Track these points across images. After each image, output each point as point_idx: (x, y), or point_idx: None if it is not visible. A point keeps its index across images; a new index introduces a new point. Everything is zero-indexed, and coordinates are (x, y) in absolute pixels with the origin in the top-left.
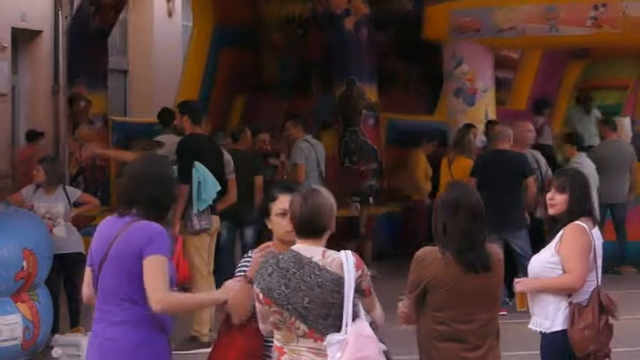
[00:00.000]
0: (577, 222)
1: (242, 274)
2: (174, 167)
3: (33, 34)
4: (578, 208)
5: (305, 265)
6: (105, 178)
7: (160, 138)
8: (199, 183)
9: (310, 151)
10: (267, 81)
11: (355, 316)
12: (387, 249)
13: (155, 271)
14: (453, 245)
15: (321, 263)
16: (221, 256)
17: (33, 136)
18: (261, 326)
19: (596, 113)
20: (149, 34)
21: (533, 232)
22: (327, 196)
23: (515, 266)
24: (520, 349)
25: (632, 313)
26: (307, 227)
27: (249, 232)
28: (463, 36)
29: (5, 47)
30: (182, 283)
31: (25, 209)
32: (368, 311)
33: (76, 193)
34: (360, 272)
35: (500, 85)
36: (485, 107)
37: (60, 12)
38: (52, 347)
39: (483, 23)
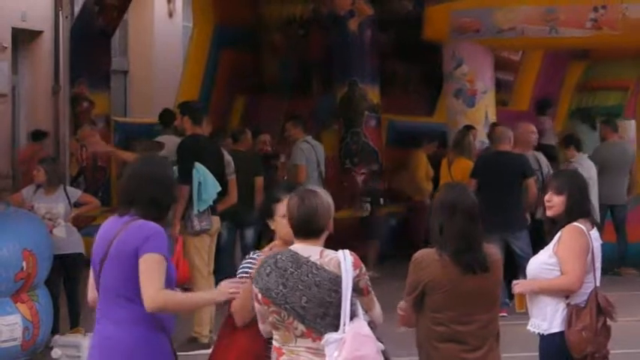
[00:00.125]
0: (575, 223)
1: (245, 275)
2: (175, 168)
3: (33, 35)
4: (576, 210)
5: (302, 264)
6: (106, 178)
7: (160, 139)
8: (200, 184)
9: (310, 152)
10: (268, 81)
11: (353, 316)
12: (388, 250)
13: (149, 270)
14: (451, 246)
15: (318, 262)
16: (221, 256)
17: (38, 135)
18: (261, 327)
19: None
20: (149, 34)
21: (534, 233)
22: (325, 197)
23: (516, 267)
24: (520, 350)
25: (633, 314)
26: (304, 228)
27: (249, 233)
28: (463, 36)
29: (5, 47)
30: (182, 283)
31: (25, 210)
32: (367, 310)
33: (76, 193)
34: (357, 271)
35: (501, 86)
36: (486, 108)
37: (60, 12)
38: (51, 348)
39: (483, 24)
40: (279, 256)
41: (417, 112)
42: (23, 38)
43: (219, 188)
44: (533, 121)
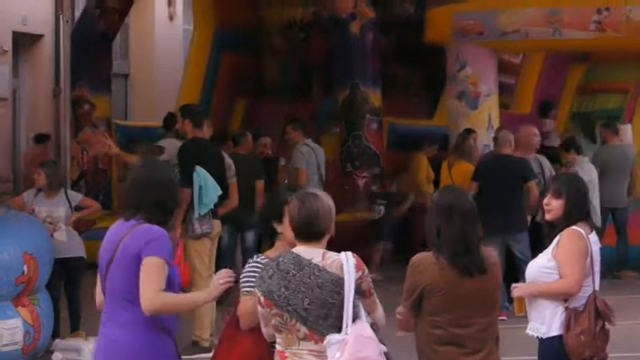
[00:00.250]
0: (574, 227)
1: (251, 279)
2: (176, 171)
3: (34, 38)
4: (574, 213)
5: (305, 266)
6: (106, 182)
7: (162, 142)
8: (200, 187)
9: (311, 155)
10: (268, 85)
11: (356, 317)
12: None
13: (148, 273)
14: (448, 249)
15: (320, 264)
16: (222, 260)
17: (41, 138)
18: (264, 330)
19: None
20: (150, 38)
21: (534, 235)
22: (326, 200)
23: (517, 271)
24: (519, 354)
25: (633, 318)
26: (306, 230)
27: (250, 237)
28: (466, 39)
29: (6, 51)
30: (183, 287)
31: (26, 213)
32: (369, 312)
33: (77, 197)
34: (360, 273)
35: (502, 89)
36: (489, 111)
37: (61, 16)
38: (52, 352)
39: (487, 26)
40: (281, 259)
41: (418, 114)
42: (24, 42)
43: (220, 192)
44: (536, 123)
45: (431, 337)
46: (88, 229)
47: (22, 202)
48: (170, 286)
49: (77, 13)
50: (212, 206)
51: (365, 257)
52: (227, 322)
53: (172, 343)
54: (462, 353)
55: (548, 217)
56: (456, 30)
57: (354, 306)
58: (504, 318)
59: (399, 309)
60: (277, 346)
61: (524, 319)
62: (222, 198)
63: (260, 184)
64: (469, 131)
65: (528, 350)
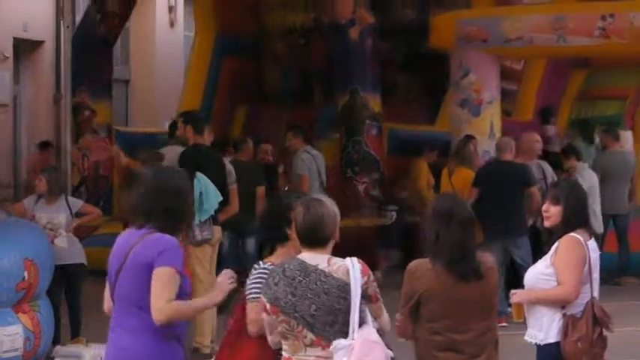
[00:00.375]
0: (572, 234)
1: (257, 285)
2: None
3: (35, 45)
4: (573, 220)
5: (311, 272)
6: (107, 188)
7: (165, 149)
8: (201, 193)
9: (311, 162)
10: (269, 91)
11: (362, 322)
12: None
13: (161, 283)
14: (445, 256)
15: (326, 270)
16: (223, 266)
17: (46, 145)
18: (269, 338)
19: (597, 143)
20: (151, 43)
21: (533, 238)
22: (330, 206)
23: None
24: None
25: (633, 324)
26: (311, 236)
27: (250, 243)
28: (470, 45)
29: (7, 57)
30: None
31: (27, 219)
32: (375, 318)
33: (77, 203)
34: (366, 278)
35: (504, 95)
36: (491, 118)
37: (62, 22)
38: (52, 358)
39: (490, 33)
40: (286, 265)
41: (419, 120)
42: (25, 48)
43: (221, 198)
44: (538, 130)
45: (430, 343)
46: (88, 235)
47: (23, 208)
48: (182, 295)
49: (78, 19)
50: (213, 212)
51: (370, 263)
52: (228, 330)
53: (181, 349)
54: (461, 359)
55: (547, 223)
56: (460, 36)
57: (361, 311)
58: (505, 324)
59: (397, 316)
60: (284, 353)
61: (523, 325)
62: (223, 204)
63: (261, 190)
64: (469, 137)
65: (526, 357)
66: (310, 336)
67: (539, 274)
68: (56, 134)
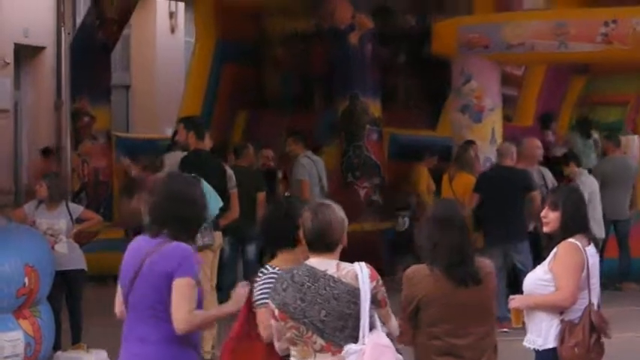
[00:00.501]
0: (570, 239)
1: (267, 290)
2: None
3: (35, 50)
4: (571, 226)
5: (320, 278)
6: (107, 194)
7: (169, 155)
8: None
9: (312, 167)
10: (270, 96)
11: (372, 327)
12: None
13: (182, 294)
14: (443, 261)
15: (335, 275)
16: (224, 272)
17: (49, 151)
18: (277, 344)
19: (595, 137)
20: (152, 49)
21: (534, 243)
22: (338, 211)
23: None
24: None
25: (633, 330)
26: (319, 242)
27: (251, 249)
28: (471, 52)
29: (8, 63)
30: None
31: (27, 225)
32: (384, 322)
33: (78, 209)
34: (374, 283)
35: (505, 101)
36: (492, 124)
37: (63, 28)
38: None
39: (492, 39)
40: (295, 271)
41: (419, 125)
42: (25, 54)
43: (222, 203)
44: (538, 136)
45: (430, 348)
46: (89, 241)
47: (24, 214)
48: (197, 303)
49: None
50: (213, 218)
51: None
52: (231, 336)
53: (197, 356)
54: None
55: (545, 229)
56: (462, 43)
57: (370, 316)
58: (507, 330)
59: (397, 320)
60: (292, 359)
61: (522, 330)
62: (223, 209)
63: (261, 196)
64: (470, 143)
65: None
66: (320, 341)
67: (538, 280)
68: (57, 140)
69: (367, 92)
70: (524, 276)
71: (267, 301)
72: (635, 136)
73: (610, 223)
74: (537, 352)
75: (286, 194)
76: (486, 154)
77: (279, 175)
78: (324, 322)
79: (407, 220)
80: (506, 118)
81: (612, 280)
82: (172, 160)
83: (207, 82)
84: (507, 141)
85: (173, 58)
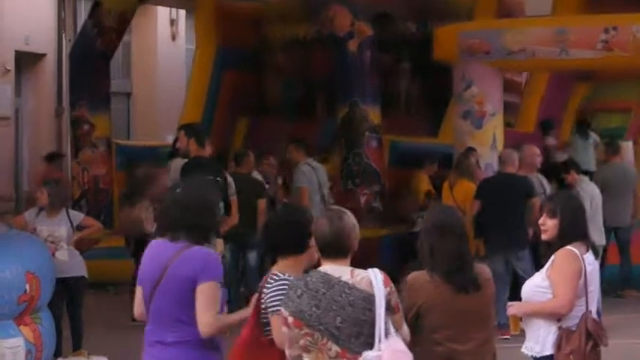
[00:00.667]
0: (568, 247)
1: (281, 297)
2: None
3: (36, 58)
4: (569, 233)
5: (334, 284)
6: (107, 201)
7: (171, 162)
8: None
9: (312, 175)
10: (270, 103)
11: (387, 333)
12: (391, 270)
13: (207, 298)
14: (442, 267)
15: (350, 282)
16: (225, 279)
17: (52, 157)
18: (288, 352)
19: (594, 138)
20: (153, 56)
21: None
22: (351, 217)
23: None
24: None
25: (635, 337)
26: (334, 247)
27: (252, 256)
28: (472, 58)
29: (9, 70)
30: None
31: (28, 232)
32: (397, 328)
33: (79, 216)
34: (388, 289)
35: (506, 108)
36: (493, 130)
37: (63, 35)
38: None
39: (493, 45)
40: (309, 278)
41: (420, 132)
42: (26, 61)
43: (222, 211)
44: (539, 142)
45: (432, 354)
46: (89, 248)
47: (24, 221)
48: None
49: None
50: None
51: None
52: (238, 342)
53: (221, 357)
54: None
55: (544, 236)
56: (463, 49)
57: (385, 322)
58: (508, 337)
59: None
60: None
61: (522, 337)
62: (223, 216)
63: (262, 203)
64: (470, 150)
65: None
66: (335, 348)
67: (536, 287)
68: (58, 147)
69: (367, 99)
70: None
71: (280, 308)
72: (630, 143)
73: (611, 230)
74: (535, 359)
75: (284, 201)
76: (487, 160)
77: (279, 181)
78: (339, 328)
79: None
80: (508, 125)
81: (613, 287)
82: (175, 166)
83: (208, 89)
84: (509, 147)
85: (174, 66)
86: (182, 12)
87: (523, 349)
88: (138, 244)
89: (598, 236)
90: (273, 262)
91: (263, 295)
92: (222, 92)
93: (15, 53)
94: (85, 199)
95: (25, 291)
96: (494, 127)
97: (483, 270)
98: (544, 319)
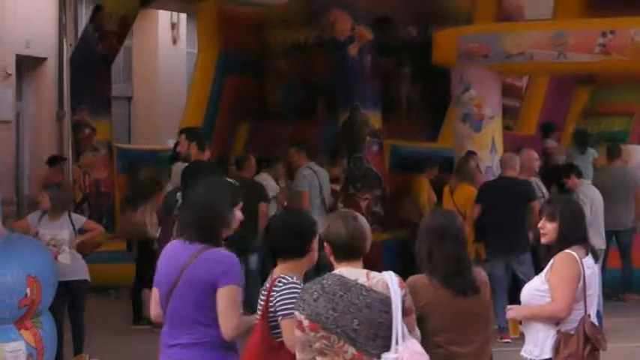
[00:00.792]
0: (567, 251)
1: (293, 301)
2: (179, 194)
3: (37, 61)
4: (568, 236)
5: (351, 287)
6: (109, 205)
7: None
8: None
9: (313, 178)
10: (272, 107)
11: (402, 335)
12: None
13: (230, 301)
14: (441, 271)
15: (367, 284)
16: None
17: (54, 160)
18: (299, 355)
19: (593, 153)
20: (154, 60)
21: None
22: (362, 219)
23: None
24: None
25: (636, 340)
26: (349, 249)
27: (253, 260)
28: (471, 61)
29: (10, 74)
30: None
31: (30, 236)
32: (410, 330)
33: (81, 220)
34: (404, 291)
35: (506, 112)
36: (492, 133)
37: (64, 39)
38: None
39: (491, 49)
40: (324, 281)
41: (420, 137)
42: (27, 65)
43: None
44: (539, 144)
45: (433, 357)
46: (91, 252)
47: (26, 224)
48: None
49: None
50: None
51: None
52: (249, 349)
53: (238, 358)
54: None
55: (543, 240)
56: (462, 52)
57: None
58: (509, 340)
59: None
60: None
61: (520, 340)
62: None
63: (263, 206)
64: (470, 154)
65: None
66: (352, 351)
67: (535, 290)
68: (59, 151)
69: (367, 104)
70: None
71: (293, 311)
72: (637, 147)
73: (611, 233)
74: None
75: (284, 204)
76: (487, 163)
77: (281, 184)
78: (356, 331)
79: None
80: (507, 128)
81: (615, 291)
82: (177, 170)
83: (210, 94)
84: (509, 151)
85: (175, 70)
86: (183, 16)
87: (522, 353)
88: (140, 248)
89: (599, 240)
90: (274, 265)
91: (271, 298)
92: (224, 96)
93: (16, 57)
94: (87, 202)
95: (26, 295)
96: (494, 131)
97: (480, 274)
98: (543, 322)
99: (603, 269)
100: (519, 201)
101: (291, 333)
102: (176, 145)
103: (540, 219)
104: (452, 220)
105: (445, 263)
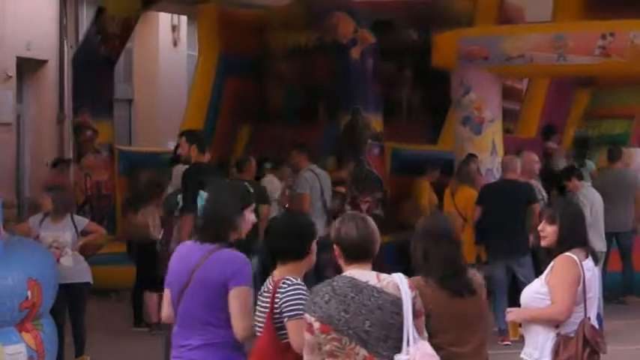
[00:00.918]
0: (567, 253)
1: (302, 302)
2: (179, 196)
3: (38, 64)
4: (568, 239)
5: (363, 289)
6: (110, 207)
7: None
8: None
9: (314, 181)
10: (272, 110)
11: (413, 337)
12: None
13: (241, 303)
14: (437, 273)
15: (378, 286)
16: None
17: (58, 163)
18: (307, 357)
19: (591, 165)
20: (154, 63)
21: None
22: (371, 221)
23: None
24: None
25: (637, 343)
26: (360, 251)
27: (254, 261)
28: (471, 64)
29: (10, 76)
30: None
31: (31, 238)
32: (419, 332)
33: (83, 222)
34: (414, 293)
35: (506, 115)
36: (492, 136)
37: (65, 41)
38: None
39: (491, 51)
40: (335, 283)
41: (421, 140)
42: (28, 67)
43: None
44: (540, 146)
45: None
46: (93, 254)
47: (28, 227)
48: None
49: (81, 39)
50: None
51: None
52: (255, 352)
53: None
54: None
55: (543, 243)
56: (462, 55)
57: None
58: (509, 343)
59: None
60: None
61: (520, 343)
62: None
63: (265, 209)
64: (471, 156)
65: None
66: (363, 352)
67: (535, 293)
68: (60, 153)
69: (369, 107)
70: None
71: (300, 313)
72: (639, 149)
73: (611, 235)
74: None
75: (285, 206)
76: (487, 165)
77: (283, 186)
78: (368, 332)
79: None
80: (507, 131)
81: (615, 293)
82: (177, 172)
83: (210, 96)
84: (509, 153)
85: (175, 72)
86: (183, 18)
87: (522, 355)
88: (140, 251)
89: (599, 242)
90: (274, 266)
91: (276, 300)
92: (225, 99)
93: (17, 59)
94: (89, 204)
95: (27, 297)
96: (494, 133)
97: (476, 276)
98: (543, 325)
99: (604, 272)
100: (520, 203)
101: (296, 334)
102: (177, 147)
103: (540, 221)
104: (446, 222)
105: (441, 264)
